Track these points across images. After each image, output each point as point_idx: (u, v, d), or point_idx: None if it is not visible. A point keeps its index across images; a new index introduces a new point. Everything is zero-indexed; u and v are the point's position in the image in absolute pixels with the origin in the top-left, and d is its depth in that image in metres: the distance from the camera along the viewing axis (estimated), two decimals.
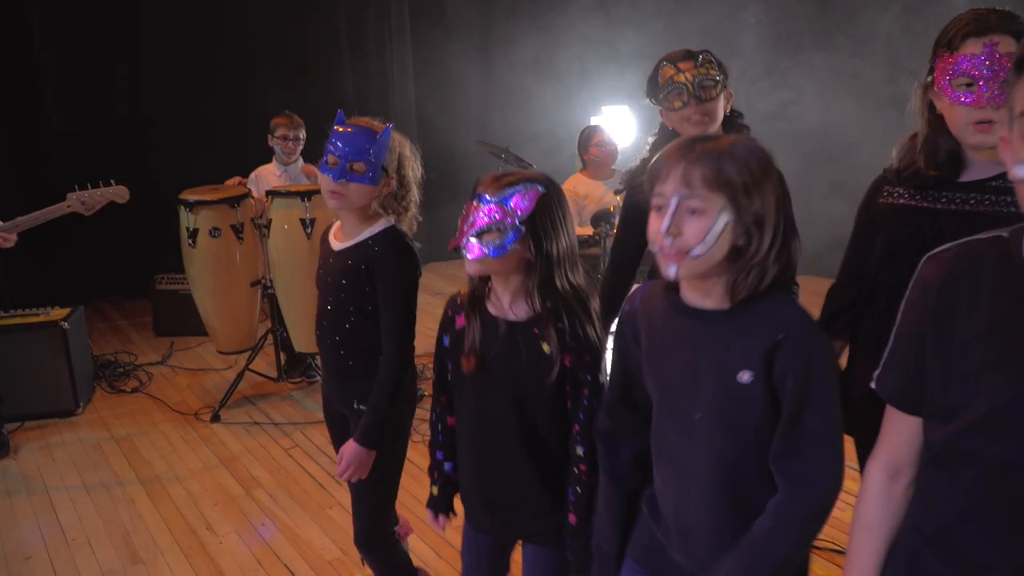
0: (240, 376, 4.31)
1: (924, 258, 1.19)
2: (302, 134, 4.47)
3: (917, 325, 1.16)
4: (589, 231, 4.15)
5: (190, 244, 4.08)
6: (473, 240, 1.68)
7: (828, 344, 1.35)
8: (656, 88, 2.25)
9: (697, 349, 1.38)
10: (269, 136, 4.47)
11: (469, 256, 1.69)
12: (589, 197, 4.45)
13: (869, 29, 5.44)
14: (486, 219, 1.66)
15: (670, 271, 1.33)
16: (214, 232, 4.04)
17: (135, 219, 4.76)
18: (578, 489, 1.73)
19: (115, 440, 3.98)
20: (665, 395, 1.46)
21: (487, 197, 1.67)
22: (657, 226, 1.33)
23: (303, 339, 4.14)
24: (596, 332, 1.72)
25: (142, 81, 5.77)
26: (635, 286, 1.99)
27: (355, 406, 2.20)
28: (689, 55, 2.23)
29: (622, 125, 6.16)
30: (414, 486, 3.29)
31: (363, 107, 6.35)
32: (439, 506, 1.98)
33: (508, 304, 1.75)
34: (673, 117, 2.23)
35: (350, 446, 2.11)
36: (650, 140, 2.38)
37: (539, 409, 1.75)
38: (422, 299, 2.17)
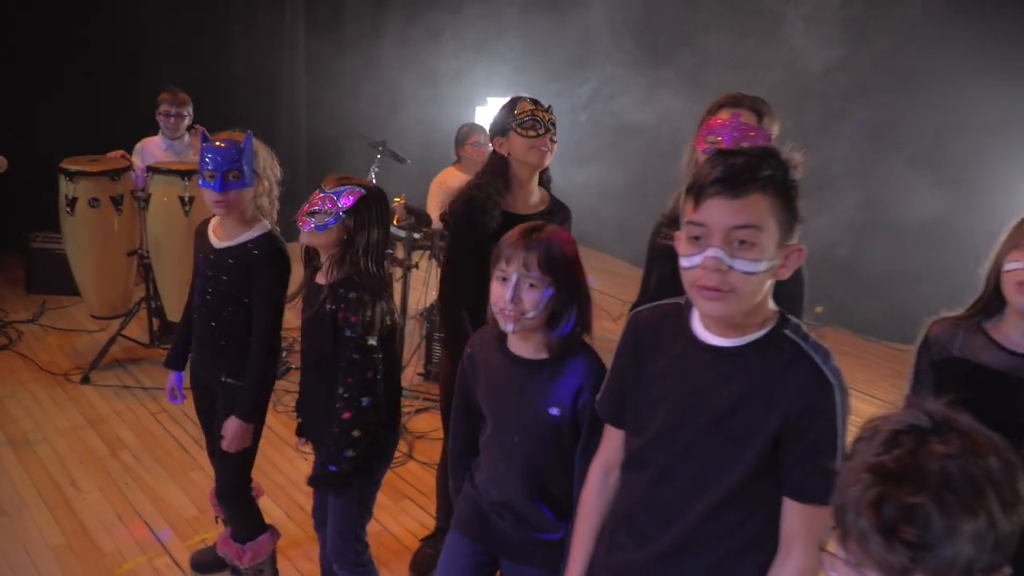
0: (113, 340, 4.47)
1: (631, 313, 1.60)
2: (187, 111, 4.61)
3: (621, 363, 1.58)
4: None
5: (68, 212, 4.20)
6: (306, 217, 2.19)
7: None
8: (511, 118, 2.58)
9: (518, 387, 1.84)
10: (155, 111, 4.59)
11: (303, 228, 2.20)
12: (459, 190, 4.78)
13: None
14: (319, 204, 2.17)
15: (508, 327, 1.78)
16: (93, 203, 4.18)
17: (13, 179, 4.79)
18: (335, 428, 2.19)
19: None
20: (495, 418, 1.91)
21: (325, 189, 2.19)
22: (501, 293, 1.76)
23: (177, 309, 4.33)
24: (381, 310, 2.20)
25: (28, 47, 5.70)
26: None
27: (224, 379, 2.55)
28: (542, 103, 2.61)
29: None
30: (272, 451, 3.59)
31: (254, 91, 6.49)
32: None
33: (324, 272, 2.25)
34: (522, 144, 2.55)
35: (233, 422, 2.47)
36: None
37: (330, 358, 2.22)
38: (298, 269, 2.51)
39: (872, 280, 5.24)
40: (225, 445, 2.49)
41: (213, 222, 2.56)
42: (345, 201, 2.17)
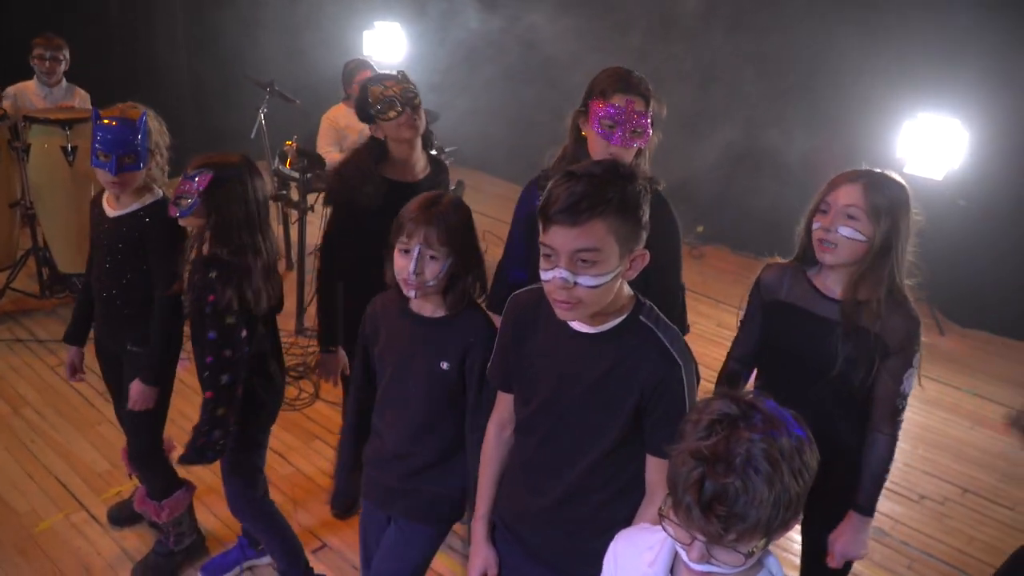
0: (2, 293, 4.37)
1: (511, 296, 1.79)
2: (63, 54, 4.42)
3: (504, 341, 1.79)
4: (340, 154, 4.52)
5: None
6: (174, 204, 2.29)
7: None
8: (368, 107, 2.63)
9: (416, 343, 1.99)
10: (28, 55, 4.38)
11: (171, 212, 2.31)
12: (349, 127, 4.74)
13: None
14: (182, 189, 2.25)
15: (410, 294, 1.92)
16: None
17: None
18: (201, 410, 2.31)
19: None
20: (392, 372, 2.05)
21: (187, 173, 2.26)
22: (404, 264, 1.89)
23: (67, 259, 4.27)
24: (243, 288, 2.26)
25: None
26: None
27: (129, 347, 2.60)
28: (389, 76, 2.67)
29: (392, 42, 6.44)
30: (182, 403, 3.64)
31: (129, 31, 6.16)
32: None
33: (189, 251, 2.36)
34: (389, 127, 2.63)
35: (137, 385, 2.54)
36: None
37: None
38: None
39: (747, 203, 5.57)
40: (130, 405, 2.57)
41: (107, 193, 2.57)
42: (200, 183, 2.21)
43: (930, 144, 4.81)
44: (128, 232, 2.51)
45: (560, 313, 1.56)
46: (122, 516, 3.04)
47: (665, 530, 1.26)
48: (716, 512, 1.15)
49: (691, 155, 5.29)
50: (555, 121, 2.52)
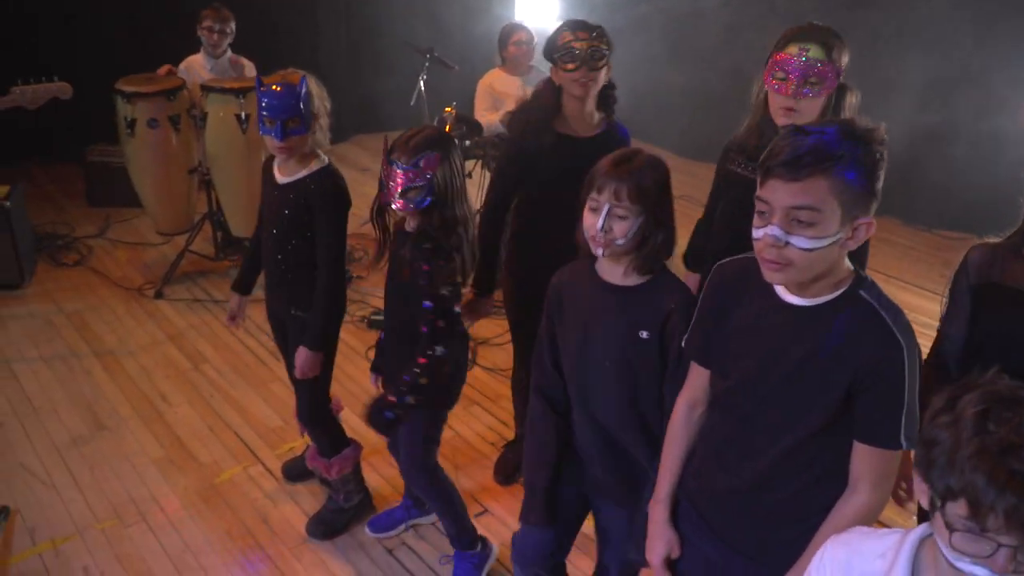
0: (181, 255, 4.65)
1: (715, 265, 1.70)
2: (230, 27, 4.60)
3: (707, 310, 1.69)
4: (498, 116, 4.52)
5: (128, 134, 4.30)
6: (401, 199, 2.25)
7: None
8: (554, 48, 2.62)
9: (609, 313, 1.91)
10: (197, 26, 4.59)
11: (399, 210, 2.28)
12: (505, 93, 4.75)
13: None
14: (406, 180, 2.21)
15: (598, 252, 1.85)
16: (152, 123, 4.27)
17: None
18: (406, 375, 2.31)
19: (64, 314, 4.33)
20: (583, 347, 1.96)
21: (401, 163, 2.21)
22: (592, 221, 1.82)
23: (239, 223, 4.48)
24: (458, 260, 2.29)
25: None
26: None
27: (293, 312, 2.69)
28: (586, 27, 2.60)
29: (544, 8, 6.36)
30: (345, 363, 3.79)
31: (291, 5, 6.34)
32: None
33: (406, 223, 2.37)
34: (564, 76, 2.60)
35: (302, 352, 2.62)
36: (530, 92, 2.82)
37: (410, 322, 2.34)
38: (349, 175, 2.68)
39: (919, 173, 5.22)
40: (297, 374, 2.66)
41: (276, 160, 2.64)
42: (427, 168, 2.19)
43: None
44: (295, 199, 2.56)
45: (767, 274, 1.47)
46: (295, 472, 3.18)
47: (949, 546, 1.09)
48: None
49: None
50: (736, 97, 2.42)
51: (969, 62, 5.22)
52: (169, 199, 4.59)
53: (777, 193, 1.41)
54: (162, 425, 3.49)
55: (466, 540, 2.69)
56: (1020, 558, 1.05)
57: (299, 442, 3.33)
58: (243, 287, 2.91)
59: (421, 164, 2.19)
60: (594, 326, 1.95)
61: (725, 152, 2.39)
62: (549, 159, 2.64)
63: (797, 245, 1.41)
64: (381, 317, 2.65)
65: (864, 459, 1.51)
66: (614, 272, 1.91)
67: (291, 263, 2.64)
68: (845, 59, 2.16)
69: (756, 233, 1.46)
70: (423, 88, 4.66)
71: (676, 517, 1.82)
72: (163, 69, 4.60)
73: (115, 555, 2.81)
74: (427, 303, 2.27)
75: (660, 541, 1.81)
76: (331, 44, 6.65)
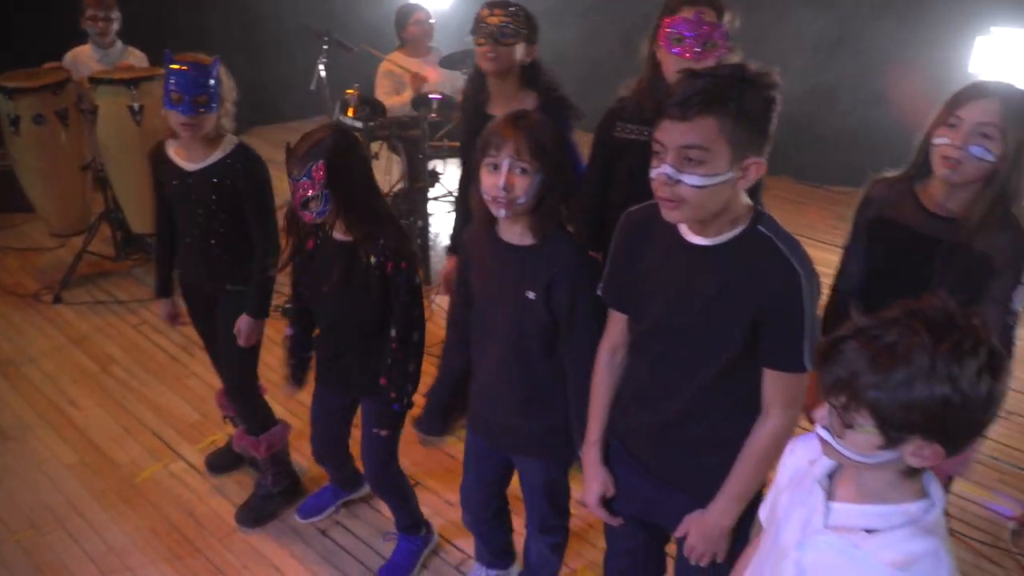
0: (79, 257, 4.47)
1: (624, 213, 1.76)
2: (115, 14, 4.42)
3: (618, 257, 1.76)
4: (405, 99, 4.51)
5: (13, 132, 4.09)
6: (304, 211, 2.16)
7: (591, 270, 1.91)
8: (474, 24, 2.65)
9: (504, 271, 1.97)
10: (81, 18, 4.40)
11: (306, 220, 2.19)
12: (405, 74, 4.73)
13: None
14: (304, 191, 2.13)
15: (500, 213, 1.87)
16: (38, 119, 4.07)
17: None
18: (392, 371, 2.29)
19: None
20: (481, 302, 2.05)
21: (295, 175, 2.12)
22: (493, 181, 1.84)
23: (139, 219, 4.33)
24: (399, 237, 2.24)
25: None
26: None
27: (228, 287, 2.68)
28: (504, 4, 2.64)
29: None
30: (263, 353, 3.71)
31: None
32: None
33: (339, 232, 2.26)
34: (476, 52, 2.66)
35: (245, 320, 2.62)
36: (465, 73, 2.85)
37: (373, 314, 2.29)
38: None
39: (810, 131, 5.46)
40: (242, 342, 2.65)
41: (171, 148, 2.59)
42: (318, 176, 2.11)
43: (1006, 60, 4.62)
44: (220, 181, 2.54)
45: (665, 213, 1.55)
46: (220, 463, 3.13)
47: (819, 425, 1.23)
48: (838, 363, 1.14)
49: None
50: (622, 61, 2.48)
51: (852, 22, 5.49)
52: (62, 199, 4.40)
53: (669, 133, 1.47)
54: (73, 430, 3.36)
55: (414, 526, 2.70)
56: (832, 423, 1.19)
57: (220, 435, 3.27)
58: (166, 290, 2.84)
59: (313, 174, 2.11)
60: (493, 286, 2.01)
61: (610, 120, 2.42)
62: None
63: (688, 183, 1.47)
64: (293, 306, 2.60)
65: (773, 384, 1.60)
66: (512, 232, 1.95)
67: (225, 244, 2.63)
68: (736, 21, 2.25)
69: (652, 173, 1.53)
70: (323, 73, 4.58)
71: (608, 458, 1.88)
72: (48, 65, 4.38)
73: (34, 565, 2.71)
74: (405, 297, 2.23)
75: (595, 482, 1.88)
76: (223, 32, 6.46)
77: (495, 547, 2.52)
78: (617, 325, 1.82)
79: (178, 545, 2.78)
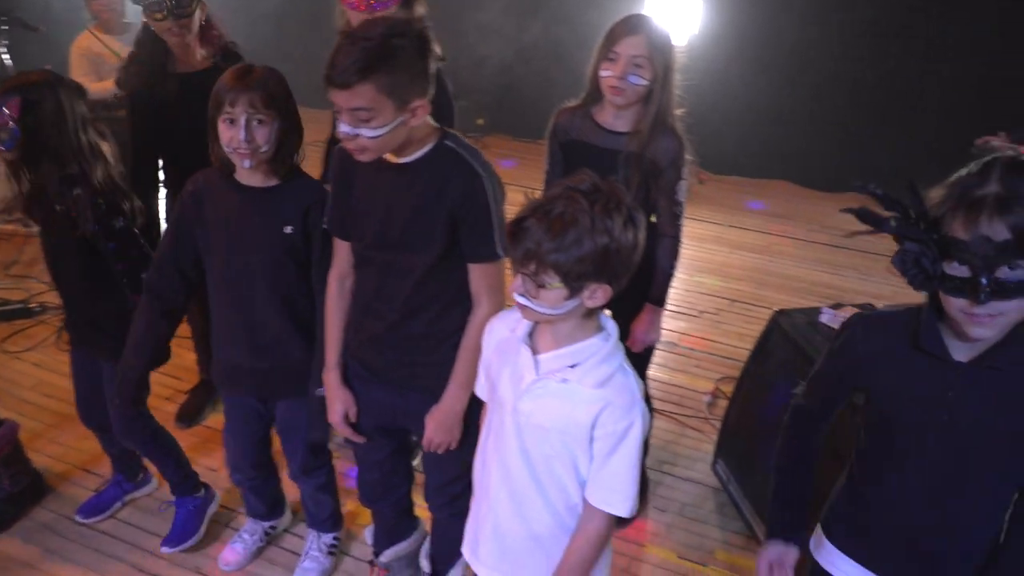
0: None
1: (335, 149, 1.90)
2: None
3: (336, 188, 1.93)
4: (110, 85, 4.28)
5: None
6: None
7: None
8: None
9: (253, 214, 2.05)
10: None
11: None
12: (103, 53, 4.46)
13: None
14: None
15: (245, 164, 1.97)
16: None
17: None
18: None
19: None
20: (228, 247, 2.08)
21: None
22: (233, 134, 1.93)
23: None
24: (107, 192, 2.20)
25: None
26: None
27: None
28: None
29: None
30: None
31: None
32: None
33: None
34: (157, 27, 2.67)
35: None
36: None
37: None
38: None
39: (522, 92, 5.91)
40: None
41: None
42: (12, 111, 2.05)
43: (668, 14, 5.26)
44: None
45: (357, 158, 1.73)
46: None
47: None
48: (523, 240, 1.39)
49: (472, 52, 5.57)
50: None
51: None
52: None
53: (337, 99, 1.64)
54: None
55: (188, 485, 2.66)
56: (526, 287, 1.43)
57: None
58: None
59: (4, 107, 2.07)
60: (239, 229, 2.08)
61: None
62: (177, 101, 2.67)
63: (365, 135, 1.67)
64: None
65: (476, 276, 1.85)
66: (254, 177, 2.05)
67: None
68: None
69: (338, 125, 1.70)
70: (6, 58, 4.24)
71: (348, 378, 2.04)
72: None
73: None
74: (111, 244, 2.20)
75: (337, 402, 2.03)
76: None
77: (268, 498, 2.57)
78: (343, 253, 1.97)
79: None
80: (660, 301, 2.44)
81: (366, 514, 2.45)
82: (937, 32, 5.45)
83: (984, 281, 1.19)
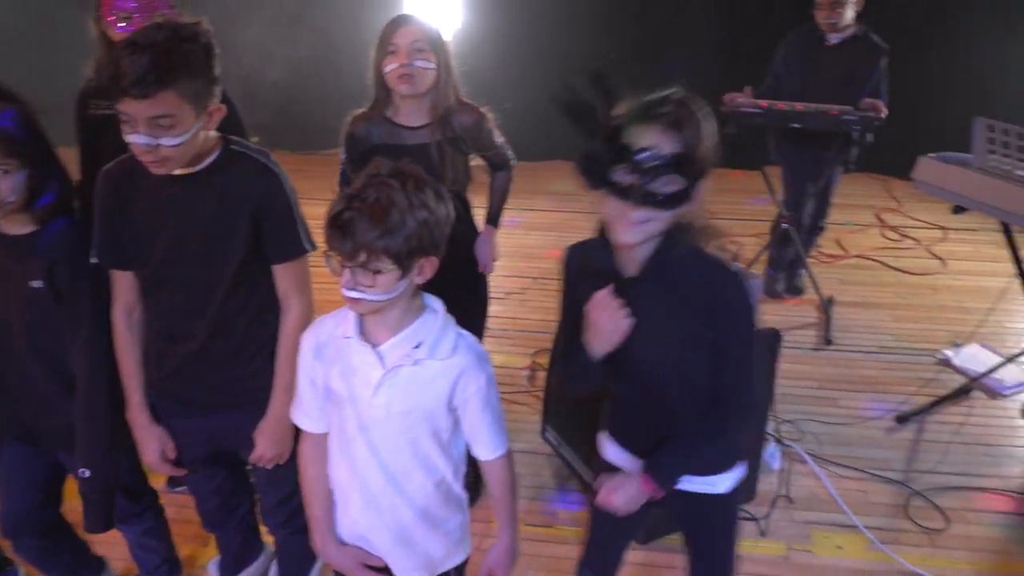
0: None
1: (103, 170, 1.79)
2: None
3: (105, 213, 1.78)
4: None
5: None
6: None
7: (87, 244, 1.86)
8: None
9: (5, 264, 1.82)
10: None
11: None
12: None
13: None
14: None
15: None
16: None
17: None
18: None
19: None
20: None
21: None
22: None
23: None
24: None
25: None
26: None
27: None
28: None
29: None
30: None
31: None
32: None
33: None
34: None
35: None
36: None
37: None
38: None
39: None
40: None
41: None
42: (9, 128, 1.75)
43: (427, 8, 5.37)
44: None
45: (154, 171, 1.65)
46: None
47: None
48: (349, 233, 1.38)
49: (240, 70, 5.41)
50: None
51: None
52: None
53: (134, 109, 1.55)
54: None
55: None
56: (357, 277, 1.43)
57: None
58: None
59: None
60: None
61: (83, 100, 2.41)
62: None
63: (167, 144, 1.60)
64: None
65: (283, 276, 1.82)
66: (12, 224, 1.83)
67: None
68: None
69: (128, 138, 1.60)
70: None
71: (159, 415, 1.92)
72: None
73: None
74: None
75: (152, 441, 1.91)
76: None
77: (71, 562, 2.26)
78: (124, 283, 1.83)
79: None
80: (496, 221, 2.65)
81: (207, 552, 2.36)
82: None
83: (647, 188, 1.39)
